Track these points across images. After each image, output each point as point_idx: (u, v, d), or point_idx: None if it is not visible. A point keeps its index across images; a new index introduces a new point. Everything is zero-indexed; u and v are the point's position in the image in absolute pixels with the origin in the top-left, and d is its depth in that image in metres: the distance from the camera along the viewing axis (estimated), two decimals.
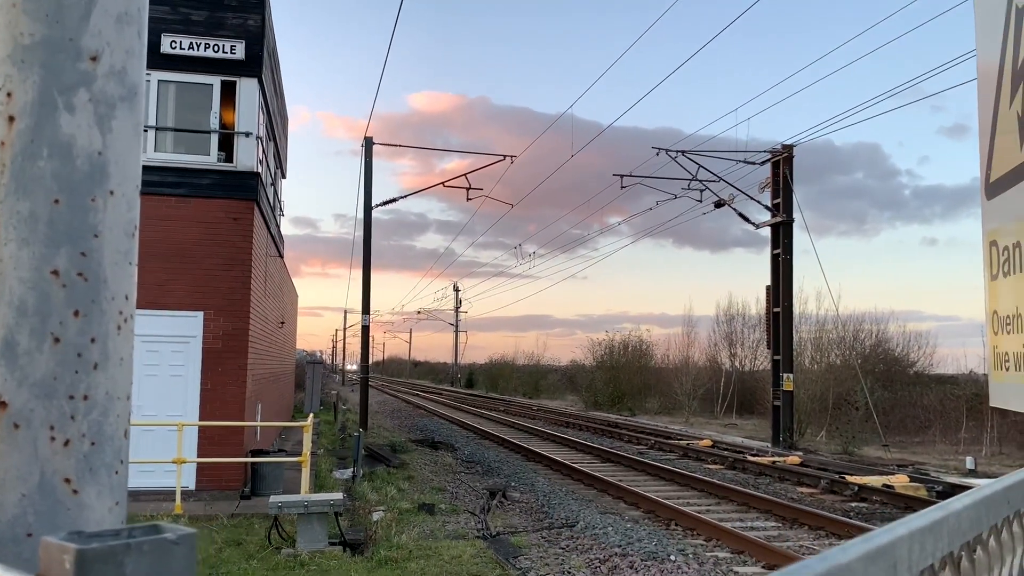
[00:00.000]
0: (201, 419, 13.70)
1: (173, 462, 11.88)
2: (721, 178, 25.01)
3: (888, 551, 0.68)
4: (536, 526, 12.28)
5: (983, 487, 0.98)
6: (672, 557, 10.25)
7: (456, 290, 79.19)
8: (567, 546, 10.99)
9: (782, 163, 24.10)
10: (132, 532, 0.68)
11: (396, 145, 28.90)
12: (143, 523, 0.70)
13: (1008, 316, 2.70)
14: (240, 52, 14.84)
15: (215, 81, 14.84)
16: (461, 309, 79.95)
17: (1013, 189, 2.65)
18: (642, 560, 10.11)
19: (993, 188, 2.85)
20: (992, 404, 2.96)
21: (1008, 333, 2.71)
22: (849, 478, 15.83)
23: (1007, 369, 2.76)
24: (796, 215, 24.12)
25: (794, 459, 19.44)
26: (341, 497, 10.65)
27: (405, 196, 29.45)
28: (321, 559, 9.60)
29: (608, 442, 25.15)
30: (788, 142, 24.25)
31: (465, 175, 26.56)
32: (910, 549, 0.72)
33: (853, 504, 14.47)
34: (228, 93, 15.02)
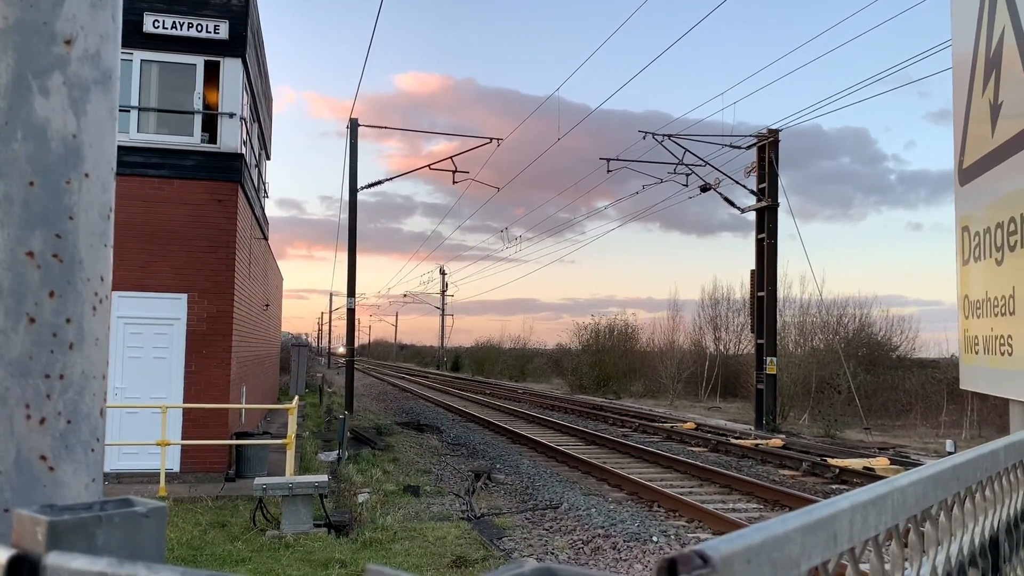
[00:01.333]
0: (185, 401, 13.67)
1: (157, 444, 11.87)
2: (707, 162, 25.07)
3: (829, 523, 0.71)
4: (520, 508, 12.37)
5: (932, 464, 1.01)
6: (654, 538, 10.36)
7: (442, 273, 79.12)
8: (551, 527, 11.08)
9: (767, 147, 24.16)
10: (104, 505, 0.70)
11: (382, 127, 28.88)
12: (115, 497, 0.73)
13: (978, 300, 2.75)
14: (224, 32, 14.71)
15: (198, 61, 14.71)
16: (447, 292, 79.91)
17: (984, 176, 2.69)
18: (625, 541, 10.21)
19: (966, 174, 2.90)
20: (963, 386, 3.02)
21: (978, 317, 2.76)
22: (831, 461, 16.00)
23: (976, 352, 2.81)
24: (781, 199, 24.24)
25: (777, 442, 19.62)
26: (326, 479, 10.68)
27: (391, 179, 29.31)
28: (306, 541, 9.64)
29: (593, 425, 25.29)
30: (775, 126, 24.31)
31: (451, 158, 26.48)
32: (851, 521, 0.75)
33: (834, 486, 14.64)
34: (212, 73, 14.89)
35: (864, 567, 0.87)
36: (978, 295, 2.73)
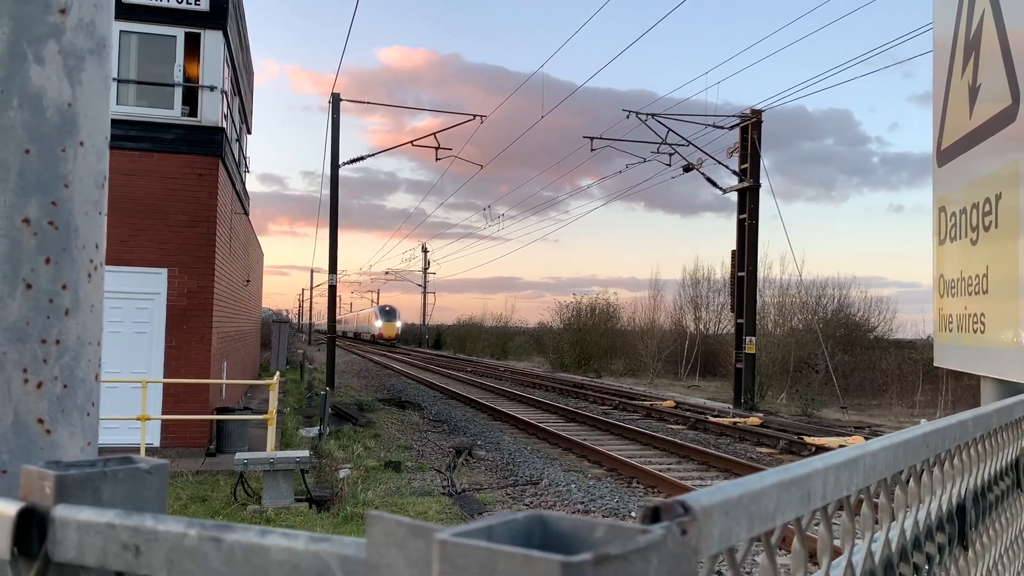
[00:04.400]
0: (166, 376, 13.63)
1: (137, 419, 11.83)
2: (690, 142, 25.10)
3: (803, 481, 0.75)
4: (501, 483, 12.47)
5: (904, 431, 1.05)
6: (633, 514, 10.50)
7: (424, 251, 78.96)
8: (531, 503, 11.19)
9: (750, 128, 24.22)
10: (107, 462, 0.73)
11: (364, 102, 28.63)
12: (117, 455, 0.75)
13: (953, 280, 2.81)
14: (205, 3, 14.52)
15: (179, 33, 14.52)
16: (429, 270, 79.80)
17: (961, 157, 2.74)
18: (604, 516, 10.34)
19: (944, 156, 2.95)
20: (937, 364, 3.09)
21: (953, 296, 2.82)
22: (807, 439, 16.23)
23: (950, 331, 2.88)
24: (763, 180, 24.33)
25: (755, 420, 19.85)
26: (307, 455, 10.72)
27: (373, 155, 29.14)
28: (287, 515, 9.68)
29: (574, 402, 25.45)
30: (759, 106, 24.35)
31: (434, 134, 26.37)
32: (824, 481, 0.79)
33: None
34: (192, 46, 14.71)
35: (836, 532, 0.92)
36: (953, 274, 2.79)
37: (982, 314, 2.48)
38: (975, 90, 2.57)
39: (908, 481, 1.07)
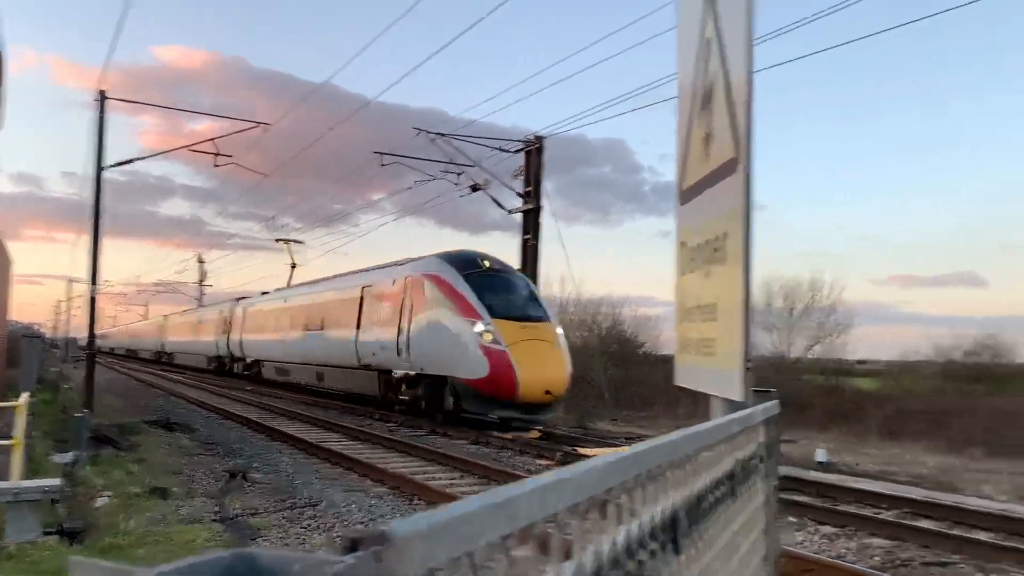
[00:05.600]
0: None
1: None
2: (476, 163, 25.75)
3: (510, 503, 0.84)
4: (278, 507, 12.07)
5: (618, 453, 1.19)
6: None
7: (201, 261, 74.90)
8: (309, 525, 10.93)
9: (534, 153, 25.27)
10: None
11: (135, 102, 26.84)
12: None
13: (691, 308, 3.13)
14: None
15: None
16: (206, 283, 75.75)
17: (698, 198, 3.06)
18: None
19: (685, 195, 3.28)
20: (676, 383, 3.41)
21: (690, 322, 3.14)
22: (581, 450, 17.08)
23: (688, 353, 3.20)
24: (545, 203, 25.46)
25: (534, 433, 20.59)
26: (59, 483, 9.81)
27: (144, 158, 27.36)
28: (33, 551, 8.80)
29: (358, 420, 25.12)
30: (543, 132, 25.48)
31: (213, 140, 25.22)
32: (531, 502, 0.89)
33: None
34: None
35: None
36: (691, 303, 3.11)
37: (712, 339, 2.79)
38: (709, 139, 2.90)
39: (620, 496, 1.21)
